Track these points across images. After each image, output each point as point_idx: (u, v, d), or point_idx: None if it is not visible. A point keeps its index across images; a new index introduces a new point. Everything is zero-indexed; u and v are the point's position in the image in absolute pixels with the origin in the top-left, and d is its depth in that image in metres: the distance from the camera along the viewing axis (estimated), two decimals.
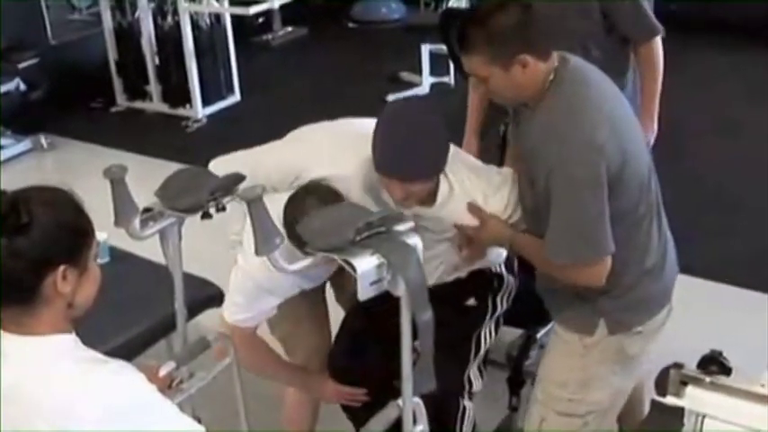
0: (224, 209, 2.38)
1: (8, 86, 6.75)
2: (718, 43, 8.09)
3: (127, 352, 2.98)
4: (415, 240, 2.13)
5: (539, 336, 3.13)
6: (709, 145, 6.05)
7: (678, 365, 2.14)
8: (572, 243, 2.37)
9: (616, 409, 2.75)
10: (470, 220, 2.57)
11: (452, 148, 2.55)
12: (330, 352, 2.97)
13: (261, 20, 8.92)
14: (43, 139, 6.92)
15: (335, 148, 2.61)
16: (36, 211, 1.67)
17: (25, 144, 6.85)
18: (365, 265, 2.03)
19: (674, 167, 5.25)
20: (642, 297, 2.56)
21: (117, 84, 7.62)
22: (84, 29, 8.41)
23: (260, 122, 2.61)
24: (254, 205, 2.01)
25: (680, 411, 2.08)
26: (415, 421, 2.34)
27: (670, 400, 2.11)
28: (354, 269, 2.02)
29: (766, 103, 6.72)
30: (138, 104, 7.55)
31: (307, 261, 2.17)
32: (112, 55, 7.58)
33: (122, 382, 1.69)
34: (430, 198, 2.56)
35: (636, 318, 2.56)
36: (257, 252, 2.06)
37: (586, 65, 2.53)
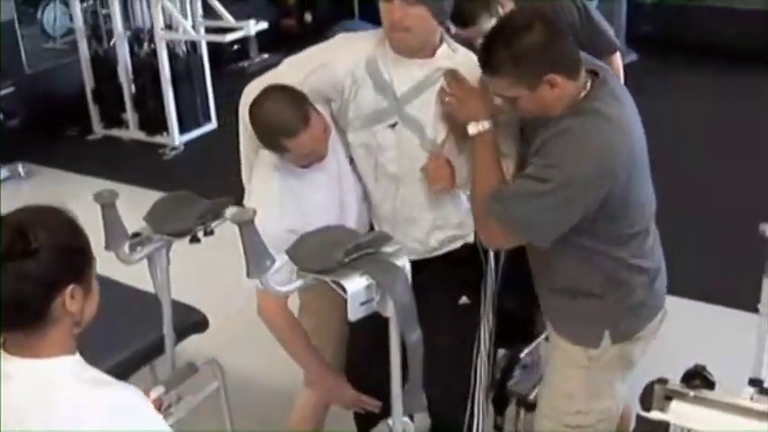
0: (212, 233, 2.42)
1: None
2: (693, 63, 8.20)
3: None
4: (402, 261, 2.17)
5: (522, 355, 3.15)
6: (693, 163, 6.13)
7: (662, 380, 2.18)
8: (527, 210, 2.37)
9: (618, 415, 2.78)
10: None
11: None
12: (349, 356, 2.98)
13: (236, 47, 8.94)
14: (21, 168, 6.89)
15: (347, 43, 2.78)
16: (42, 234, 1.69)
17: (3, 172, 6.82)
18: (355, 285, 2.09)
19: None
20: (642, 302, 2.57)
21: (93, 112, 7.60)
22: (60, 57, 8.45)
23: (237, 149, 2.65)
24: (246, 229, 2.06)
25: (665, 426, 2.12)
26: None
27: (655, 414, 2.15)
28: (344, 290, 2.06)
29: (746, 121, 6.82)
30: (115, 132, 7.53)
31: (297, 283, 2.21)
32: (89, 83, 7.56)
33: (127, 399, 1.70)
34: (428, 49, 2.62)
35: (637, 324, 2.59)
36: (249, 275, 2.10)
37: (618, 83, 2.53)
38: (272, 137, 2.56)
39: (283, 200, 2.59)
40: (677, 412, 2.13)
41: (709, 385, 2.17)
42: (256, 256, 2.10)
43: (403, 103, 2.65)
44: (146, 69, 7.25)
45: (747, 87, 7.54)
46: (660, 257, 2.65)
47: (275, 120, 2.53)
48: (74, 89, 7.67)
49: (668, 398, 2.16)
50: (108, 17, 7.50)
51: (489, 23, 3.14)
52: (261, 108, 2.56)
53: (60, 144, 7.45)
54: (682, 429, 2.10)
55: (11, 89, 7.02)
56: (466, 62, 2.60)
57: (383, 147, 2.70)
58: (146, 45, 7.35)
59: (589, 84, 2.40)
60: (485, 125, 2.50)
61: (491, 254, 2.92)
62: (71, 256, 1.74)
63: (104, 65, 7.51)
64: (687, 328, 3.97)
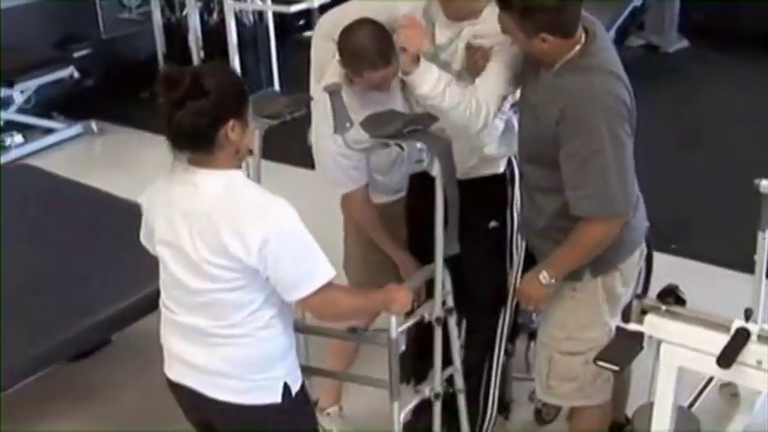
0: (295, 120, 3.00)
1: (63, 74, 7.07)
2: (743, 53, 8.27)
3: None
4: (447, 137, 2.78)
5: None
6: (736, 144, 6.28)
7: (639, 296, 2.49)
8: (613, 190, 2.66)
9: None
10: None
11: None
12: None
13: (302, 21, 9.31)
14: (94, 125, 7.23)
15: None
16: (212, 80, 2.28)
17: (77, 128, 7.16)
18: (411, 145, 2.71)
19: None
20: (622, 238, 2.81)
21: None
22: (134, 26, 8.85)
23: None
24: (335, 96, 2.68)
25: (639, 335, 2.42)
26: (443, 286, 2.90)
27: (632, 326, 2.44)
28: (403, 148, 2.73)
29: None
30: None
31: (368, 144, 2.76)
32: (161, 49, 7.91)
33: (290, 213, 2.36)
34: (474, 14, 2.96)
35: (615, 258, 2.86)
36: (336, 130, 2.71)
37: (603, 34, 2.79)
38: (356, 63, 2.94)
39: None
40: (651, 324, 2.41)
41: (681, 302, 2.46)
42: (341, 118, 2.70)
43: (439, 50, 3.00)
44: (214, 37, 7.58)
45: None
46: (637, 194, 2.90)
47: (364, 50, 2.91)
48: (146, 54, 8.01)
49: (644, 312, 2.44)
50: None
51: None
52: (354, 35, 2.94)
53: (132, 105, 7.68)
54: (655, 339, 2.40)
55: (88, 50, 7.39)
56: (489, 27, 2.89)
57: None
58: (215, 14, 7.71)
59: (583, 38, 2.70)
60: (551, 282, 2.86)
61: (517, 183, 3.24)
62: (232, 98, 2.33)
63: (176, 32, 7.86)
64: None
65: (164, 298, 2.57)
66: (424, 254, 3.01)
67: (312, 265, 2.39)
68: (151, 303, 3.37)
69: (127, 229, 3.86)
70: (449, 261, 2.87)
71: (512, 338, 3.47)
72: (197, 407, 2.58)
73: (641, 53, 8.50)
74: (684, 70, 8.15)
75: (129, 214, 3.85)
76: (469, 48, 2.94)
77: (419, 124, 2.70)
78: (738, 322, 2.28)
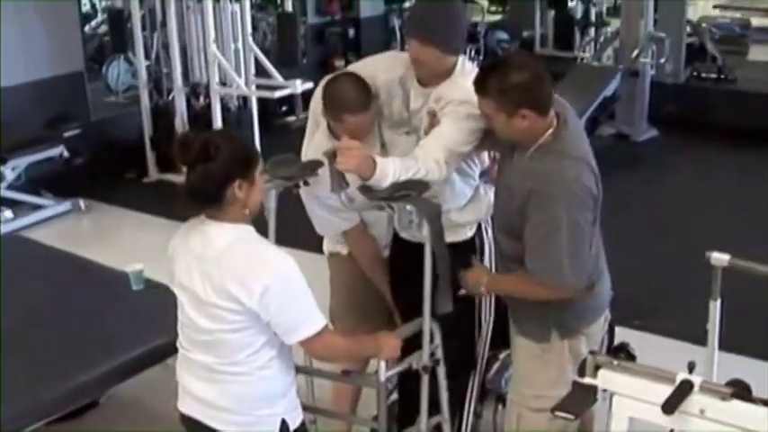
0: (307, 183, 3.26)
1: (53, 152, 7.31)
2: (710, 141, 8.69)
3: (157, 355, 3.62)
4: (438, 202, 3.07)
5: (501, 356, 3.65)
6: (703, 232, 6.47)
7: (593, 353, 2.68)
8: (574, 269, 2.88)
9: None
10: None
11: None
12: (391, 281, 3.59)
13: (285, 108, 9.60)
14: (81, 202, 7.41)
15: (386, 61, 3.43)
16: (219, 145, 2.56)
17: (65, 206, 7.34)
18: (402, 208, 2.96)
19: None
20: (587, 305, 3.09)
21: (150, 157, 8.14)
22: (121, 109, 9.13)
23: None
24: (332, 159, 2.95)
25: (594, 388, 2.61)
26: (432, 340, 3.14)
27: (587, 380, 2.64)
28: (394, 209, 2.97)
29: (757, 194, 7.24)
30: (169, 176, 7.91)
31: (361, 203, 3.09)
32: (147, 131, 8.14)
33: (289, 263, 2.63)
34: (442, 77, 3.20)
35: (581, 324, 3.11)
36: (332, 190, 3.06)
37: (577, 124, 3.07)
38: (336, 108, 3.20)
39: None
40: (604, 378, 2.59)
41: (632, 358, 2.66)
42: (338, 180, 3.00)
43: (412, 115, 3.28)
44: (200, 120, 7.87)
45: (756, 162, 8.05)
46: (602, 266, 3.16)
47: (345, 95, 3.19)
48: (133, 136, 8.28)
49: (598, 367, 2.63)
50: (168, 74, 8.20)
51: None
52: (336, 83, 3.25)
53: (119, 185, 8.02)
54: (608, 392, 2.60)
55: (78, 130, 7.60)
56: (461, 89, 3.14)
57: (394, 145, 3.33)
58: (201, 99, 8.02)
59: (555, 122, 2.95)
60: (487, 279, 3.16)
61: (486, 250, 3.46)
62: (238, 160, 2.59)
63: (163, 115, 8.15)
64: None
65: (180, 337, 2.84)
66: (410, 308, 3.24)
67: (310, 311, 2.66)
68: (137, 365, 3.62)
69: (115, 294, 4.13)
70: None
71: (480, 400, 3.65)
72: None
73: (612, 142, 8.86)
74: (653, 159, 8.48)
75: (118, 282, 4.13)
76: (429, 111, 3.20)
77: (411, 189, 2.97)
78: (682, 375, 2.47)
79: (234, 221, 2.64)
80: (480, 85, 2.91)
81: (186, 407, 2.82)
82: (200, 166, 2.55)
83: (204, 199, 2.62)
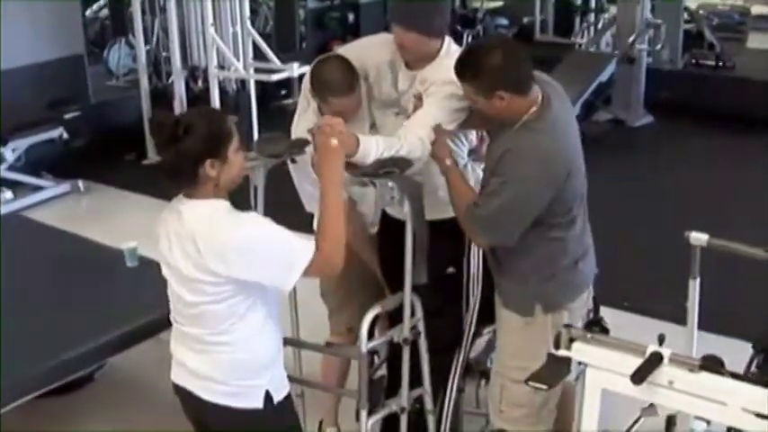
0: (294, 161, 3.33)
1: (53, 134, 7.44)
2: (703, 127, 8.77)
3: (150, 329, 3.73)
4: (419, 180, 3.15)
5: (485, 332, 3.74)
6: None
7: (568, 326, 2.76)
8: (494, 222, 3.05)
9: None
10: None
11: None
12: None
13: (283, 91, 9.69)
14: (81, 184, 7.53)
15: (377, 42, 3.50)
16: (189, 125, 2.60)
17: (64, 187, 7.46)
18: (384, 184, 3.05)
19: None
20: (570, 281, 3.20)
21: (149, 139, 8.01)
22: (121, 93, 9.20)
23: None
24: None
25: (568, 360, 2.69)
26: (413, 313, 3.27)
27: (561, 352, 2.72)
28: (375, 185, 3.06)
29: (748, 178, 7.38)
30: None
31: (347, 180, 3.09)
32: (147, 114, 8.22)
33: (258, 219, 2.75)
34: (426, 60, 3.30)
35: (564, 298, 3.19)
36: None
37: (562, 106, 3.14)
38: (322, 89, 3.31)
39: None
40: (578, 350, 2.67)
41: (605, 331, 2.74)
42: None
43: (401, 96, 3.37)
44: (198, 103, 7.83)
45: (751, 149, 8.16)
46: (588, 244, 3.26)
47: (330, 78, 3.30)
48: (133, 118, 8.35)
49: (572, 340, 2.71)
50: (167, 57, 8.29)
51: None
52: (323, 66, 3.36)
53: (117, 166, 8.09)
54: (581, 363, 2.68)
55: (77, 113, 7.71)
56: (444, 69, 3.22)
57: (384, 125, 3.42)
58: (200, 82, 8.11)
59: (540, 100, 3.04)
60: (451, 160, 3.19)
61: None
62: (208, 140, 2.63)
63: (162, 98, 8.24)
64: None
65: (171, 310, 2.92)
66: (395, 282, 3.33)
67: (292, 247, 2.69)
68: (131, 338, 3.72)
69: (110, 271, 4.23)
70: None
71: (464, 375, 3.73)
72: (192, 407, 2.91)
73: (608, 127, 8.91)
74: (648, 144, 8.56)
75: (113, 259, 4.22)
76: (416, 95, 3.29)
77: (394, 166, 3.05)
78: (653, 347, 2.55)
79: (207, 198, 2.70)
80: (457, 70, 3.02)
81: (178, 378, 2.91)
82: (171, 147, 2.61)
83: (177, 178, 2.69)
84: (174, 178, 2.70)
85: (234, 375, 2.81)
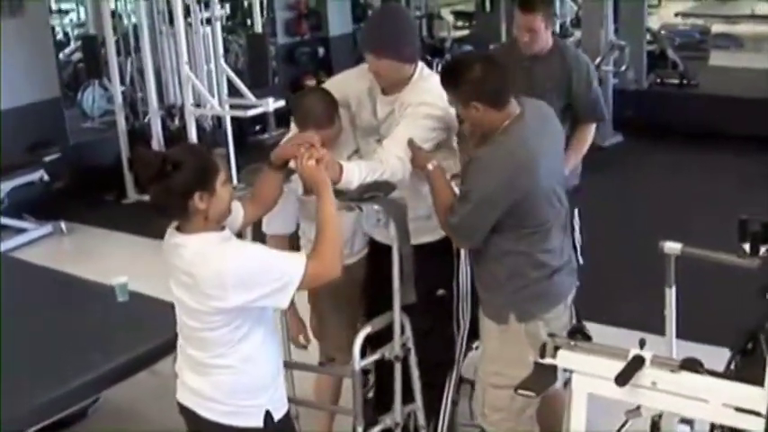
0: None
1: (33, 177, 7.50)
2: (670, 143, 9.00)
3: (144, 361, 3.82)
4: (403, 202, 3.25)
5: (474, 345, 3.84)
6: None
7: (552, 335, 2.88)
8: (463, 224, 3.22)
9: None
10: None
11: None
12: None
13: (258, 127, 9.79)
14: (63, 225, 7.55)
15: (356, 73, 3.65)
16: (176, 161, 2.68)
17: (47, 228, 7.49)
18: (370, 208, 3.16)
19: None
20: (545, 292, 3.32)
21: (128, 179, 8.27)
22: (97, 134, 9.28)
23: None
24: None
25: (553, 368, 2.80)
26: (402, 331, 3.39)
27: (547, 360, 2.83)
28: (362, 210, 3.17)
29: (713, 192, 7.54)
30: (147, 197, 8.11)
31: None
32: (125, 153, 8.28)
33: (245, 246, 2.88)
34: (400, 85, 3.44)
35: (538, 309, 3.31)
36: (304, 193, 3.28)
37: (542, 126, 3.32)
38: (303, 121, 3.41)
39: None
40: (563, 358, 2.79)
41: (588, 338, 2.86)
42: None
43: (381, 123, 3.51)
44: (176, 141, 7.83)
45: (717, 163, 8.40)
46: (568, 259, 3.40)
47: (311, 110, 3.41)
48: (111, 159, 8.45)
49: (557, 348, 2.83)
50: (143, 97, 8.38)
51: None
52: (305, 98, 3.54)
53: (98, 206, 8.16)
54: (567, 371, 2.80)
55: (58, 155, 7.79)
56: (418, 91, 3.42)
57: (367, 152, 3.52)
58: (176, 120, 8.18)
59: (517, 113, 3.21)
60: (433, 164, 3.32)
61: (462, 251, 3.64)
62: (198, 173, 2.71)
63: (139, 137, 8.26)
64: None
65: (178, 333, 3.01)
66: (385, 303, 3.43)
67: (282, 267, 2.78)
68: (124, 371, 3.79)
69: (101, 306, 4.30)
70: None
71: (457, 389, 3.86)
72: (195, 425, 2.99)
73: None
74: (619, 163, 8.69)
75: (103, 295, 4.30)
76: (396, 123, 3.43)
77: (379, 190, 3.19)
78: (634, 351, 2.68)
79: (198, 231, 2.77)
80: (442, 78, 3.25)
81: (183, 397, 3.00)
82: (160, 183, 2.69)
83: (168, 213, 2.80)
84: (163, 213, 2.80)
85: (235, 396, 2.91)
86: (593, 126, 4.65)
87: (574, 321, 3.54)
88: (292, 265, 2.79)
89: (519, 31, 4.48)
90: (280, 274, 2.76)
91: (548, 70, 4.44)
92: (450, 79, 3.21)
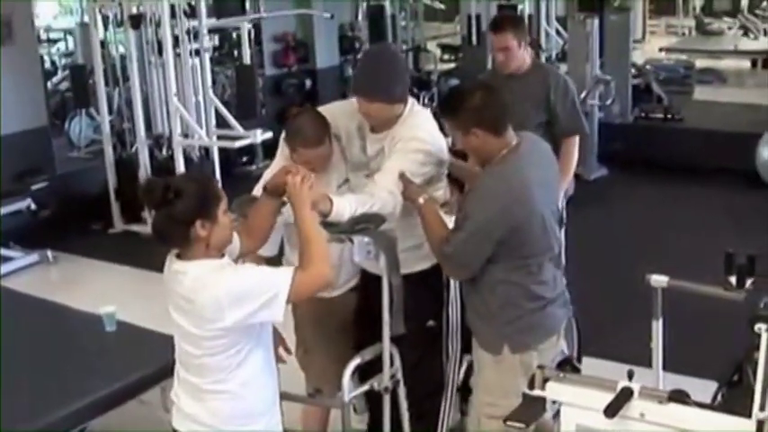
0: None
1: (20, 205, 7.51)
2: (654, 177, 9.07)
3: (131, 390, 3.83)
4: (393, 234, 3.28)
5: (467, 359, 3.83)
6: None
7: (541, 367, 2.90)
8: (457, 253, 3.26)
9: None
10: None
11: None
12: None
13: (245, 158, 9.83)
14: (49, 254, 7.52)
15: (344, 109, 3.63)
16: (178, 189, 2.72)
17: (33, 257, 7.46)
18: (360, 240, 3.17)
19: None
20: (538, 323, 3.36)
21: (115, 208, 8.28)
22: (84, 164, 9.27)
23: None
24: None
25: (542, 400, 2.82)
26: (391, 363, 3.42)
27: (536, 392, 2.85)
28: (352, 242, 3.17)
29: (696, 225, 7.62)
30: (134, 227, 8.05)
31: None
32: (112, 183, 8.30)
33: (236, 268, 2.87)
34: (390, 124, 3.47)
35: (532, 340, 3.34)
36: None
37: (539, 160, 3.39)
38: (293, 138, 3.45)
39: None
40: (552, 390, 2.80)
41: (576, 371, 2.89)
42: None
43: (371, 160, 3.53)
44: (163, 171, 7.84)
45: (702, 196, 8.47)
46: (560, 291, 3.44)
47: (302, 129, 3.45)
48: (98, 188, 8.44)
49: (546, 380, 2.86)
50: (131, 128, 8.38)
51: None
52: (297, 118, 3.55)
53: (85, 235, 8.15)
54: (556, 402, 2.82)
55: (44, 184, 7.79)
56: (409, 126, 3.45)
57: (358, 186, 3.54)
58: (164, 150, 8.17)
59: (514, 143, 3.28)
60: (424, 197, 3.36)
61: (452, 282, 3.67)
62: (198, 202, 2.74)
63: (126, 167, 8.27)
64: None
65: (176, 360, 3.02)
66: (375, 333, 3.45)
67: (272, 282, 2.80)
68: (111, 400, 3.79)
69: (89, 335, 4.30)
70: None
71: (466, 398, 3.87)
72: None
73: None
74: (604, 196, 8.75)
75: (91, 324, 4.31)
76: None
77: (370, 223, 3.22)
78: (623, 383, 2.70)
79: (198, 258, 2.80)
80: (442, 106, 3.36)
81: (179, 424, 3.01)
82: (163, 210, 2.74)
83: (169, 240, 2.83)
84: (165, 240, 2.83)
85: (232, 422, 2.92)
86: (576, 139, 4.79)
87: (575, 350, 3.55)
88: (280, 276, 2.82)
89: (494, 52, 4.75)
90: (268, 286, 2.79)
91: (526, 87, 4.61)
92: (451, 107, 3.29)
